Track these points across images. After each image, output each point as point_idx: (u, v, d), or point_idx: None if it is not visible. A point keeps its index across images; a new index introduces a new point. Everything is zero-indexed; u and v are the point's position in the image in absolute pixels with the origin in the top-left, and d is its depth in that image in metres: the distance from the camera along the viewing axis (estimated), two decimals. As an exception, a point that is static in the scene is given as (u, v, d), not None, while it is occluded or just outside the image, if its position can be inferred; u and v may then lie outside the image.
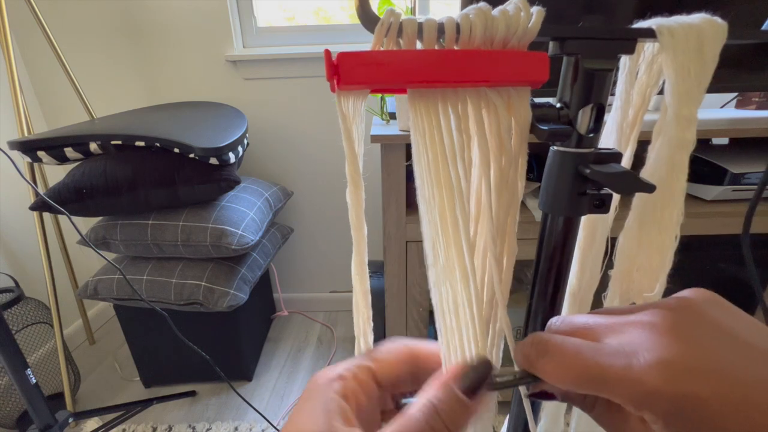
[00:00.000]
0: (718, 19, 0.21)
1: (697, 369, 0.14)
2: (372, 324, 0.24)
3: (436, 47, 0.18)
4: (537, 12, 0.18)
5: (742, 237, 0.35)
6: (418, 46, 0.18)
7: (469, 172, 0.21)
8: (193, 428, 1.04)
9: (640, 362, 0.14)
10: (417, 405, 0.16)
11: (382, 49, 0.18)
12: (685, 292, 0.17)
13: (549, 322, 0.20)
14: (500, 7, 0.18)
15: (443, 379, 0.17)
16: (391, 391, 0.19)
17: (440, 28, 0.18)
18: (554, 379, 0.17)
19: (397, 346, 0.20)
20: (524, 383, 0.19)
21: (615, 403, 0.16)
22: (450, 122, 0.19)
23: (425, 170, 0.19)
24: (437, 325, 0.20)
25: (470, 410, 0.16)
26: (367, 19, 0.17)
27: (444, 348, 0.19)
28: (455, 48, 0.18)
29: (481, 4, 0.17)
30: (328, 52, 0.16)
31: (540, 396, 0.20)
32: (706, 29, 0.21)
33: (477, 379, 0.17)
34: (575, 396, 0.19)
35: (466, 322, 0.19)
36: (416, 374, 0.19)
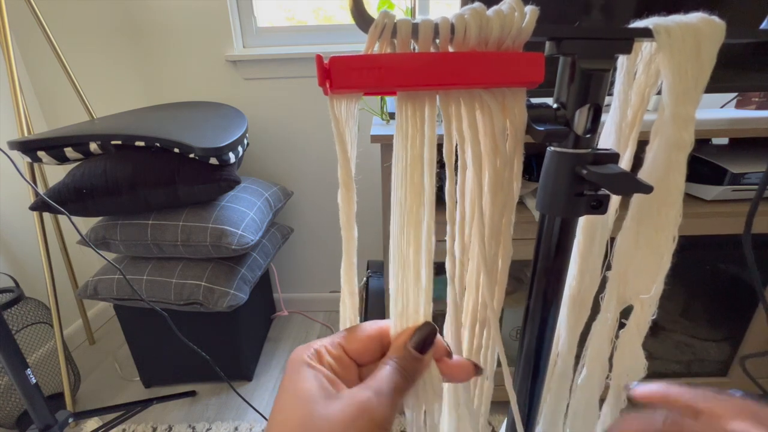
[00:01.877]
0: (716, 19, 0.21)
1: None
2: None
3: (432, 48, 0.18)
4: (531, 11, 0.18)
5: (743, 237, 0.35)
6: (413, 46, 0.18)
7: (463, 175, 0.20)
8: (193, 428, 1.05)
9: None
10: (383, 364, 0.20)
11: (376, 50, 0.17)
12: None
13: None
14: (495, 7, 0.18)
15: (399, 341, 0.21)
16: (360, 362, 0.22)
17: (435, 29, 0.18)
18: None
19: (367, 324, 0.23)
20: None
21: None
22: (434, 126, 0.19)
23: (401, 172, 0.19)
24: (390, 308, 0.23)
25: (423, 362, 0.21)
26: (362, 20, 0.17)
27: (393, 330, 0.22)
28: (450, 49, 0.18)
29: (476, 4, 0.17)
30: (319, 57, 0.16)
31: None
32: (704, 29, 0.20)
33: (424, 337, 0.21)
34: None
35: (414, 310, 0.22)
36: (384, 348, 0.22)
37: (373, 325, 0.22)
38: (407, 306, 0.22)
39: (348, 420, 0.17)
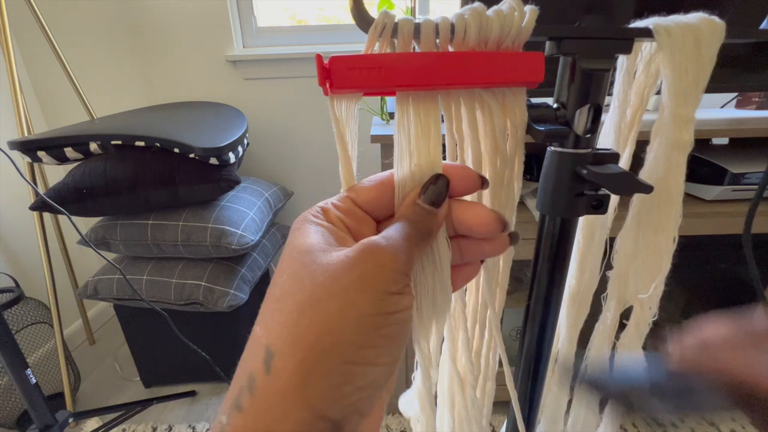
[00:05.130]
0: (716, 19, 0.21)
1: None
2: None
3: (432, 48, 0.18)
4: (530, 11, 0.18)
5: (744, 237, 0.35)
6: (414, 47, 0.18)
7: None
8: (193, 428, 1.05)
9: None
10: (396, 221, 0.18)
11: (376, 50, 0.17)
12: None
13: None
14: (495, 7, 0.18)
15: (410, 198, 0.18)
16: (375, 216, 0.19)
17: (435, 29, 0.18)
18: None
19: (375, 176, 0.20)
20: None
21: None
22: (439, 126, 0.19)
23: (407, 172, 0.19)
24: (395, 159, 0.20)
25: (439, 217, 0.18)
26: (362, 20, 0.17)
27: (397, 184, 0.19)
28: (450, 49, 0.18)
29: (476, 4, 0.17)
30: (319, 57, 0.16)
31: None
32: (704, 28, 0.20)
33: (437, 191, 0.18)
34: None
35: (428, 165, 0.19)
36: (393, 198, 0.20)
37: (385, 173, 0.20)
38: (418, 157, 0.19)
39: (349, 265, 0.15)
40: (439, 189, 0.18)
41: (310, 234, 0.17)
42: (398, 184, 0.19)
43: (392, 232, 0.17)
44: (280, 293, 0.16)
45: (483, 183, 0.19)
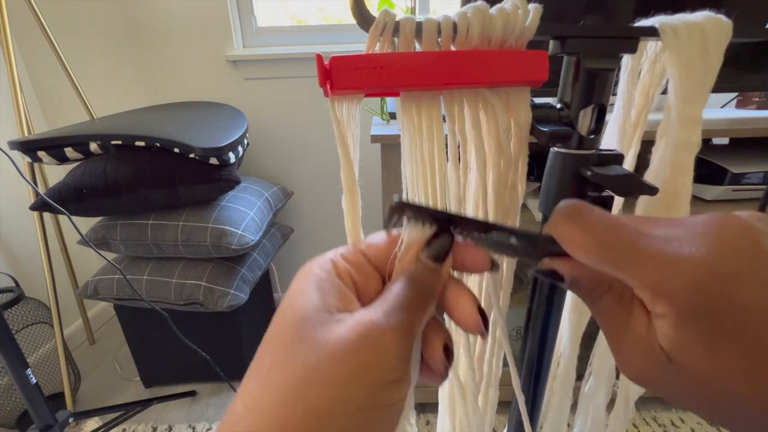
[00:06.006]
0: (722, 17, 0.20)
1: (749, 278, 0.13)
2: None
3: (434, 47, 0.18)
4: (534, 9, 0.17)
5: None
6: (416, 46, 0.18)
7: (465, 176, 0.20)
8: (193, 428, 1.04)
9: (682, 249, 0.13)
10: (396, 280, 0.17)
11: (377, 49, 0.17)
12: (732, 213, 0.16)
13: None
14: (498, 6, 0.17)
15: (412, 253, 0.18)
16: (383, 272, 0.19)
17: (437, 28, 0.17)
18: (580, 245, 0.15)
19: (384, 232, 0.19)
20: (522, 253, 0.18)
21: (623, 297, 0.15)
22: (442, 128, 0.18)
23: (416, 173, 0.18)
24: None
25: (441, 274, 0.17)
26: (363, 19, 0.17)
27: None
28: (452, 48, 0.17)
29: (479, 2, 0.17)
30: (320, 57, 0.16)
31: (547, 274, 0.18)
32: (711, 27, 0.20)
33: (440, 248, 0.17)
34: (585, 282, 0.17)
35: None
36: None
37: (389, 233, 0.19)
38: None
39: (347, 350, 0.14)
40: (442, 244, 0.17)
41: (312, 294, 0.16)
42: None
43: (392, 302, 0.16)
44: (269, 366, 0.15)
45: (492, 266, 0.18)
